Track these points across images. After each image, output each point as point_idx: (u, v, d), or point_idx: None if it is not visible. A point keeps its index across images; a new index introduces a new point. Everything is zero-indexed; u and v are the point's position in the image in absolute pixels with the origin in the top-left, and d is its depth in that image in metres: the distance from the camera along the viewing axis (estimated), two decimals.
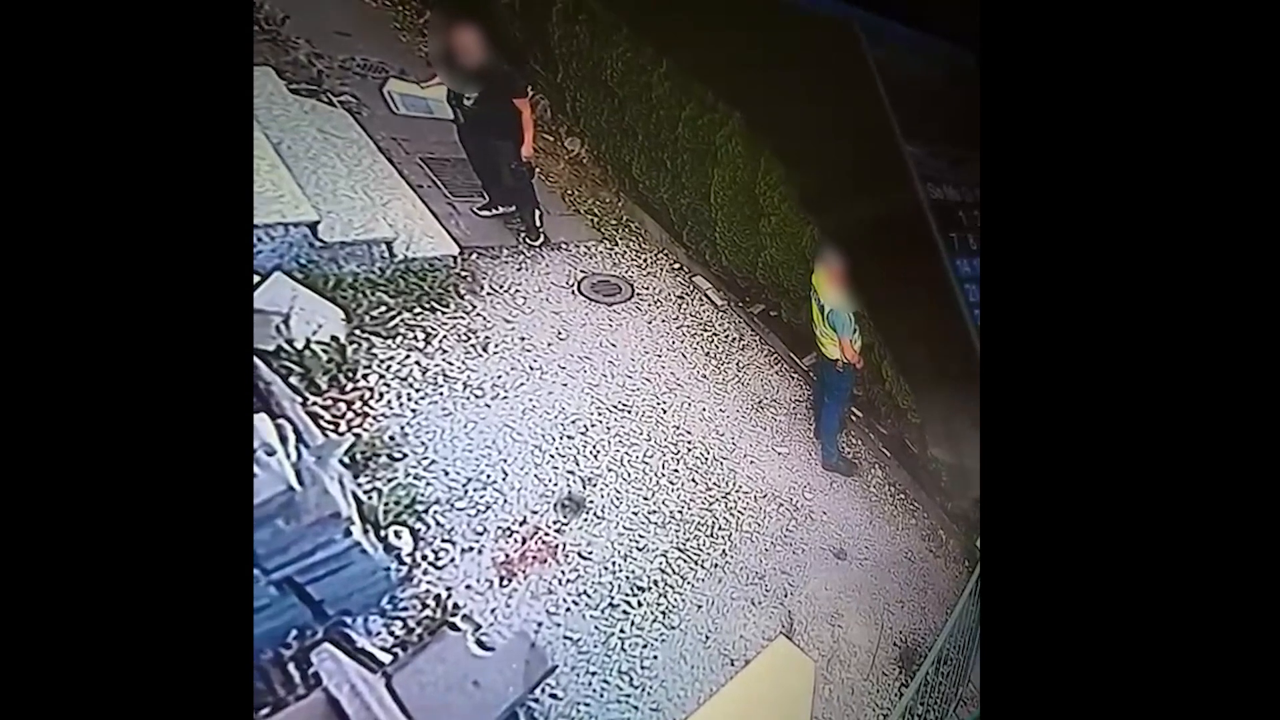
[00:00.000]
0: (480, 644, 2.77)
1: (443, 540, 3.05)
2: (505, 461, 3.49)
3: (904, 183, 4.11)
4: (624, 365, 4.41)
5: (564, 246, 5.02)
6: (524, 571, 3.13)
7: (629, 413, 4.14)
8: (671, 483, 3.91)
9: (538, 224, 4.81)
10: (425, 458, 3.28)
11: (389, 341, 3.65)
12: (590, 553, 3.35)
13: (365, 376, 3.42)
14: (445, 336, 3.88)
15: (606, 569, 3.34)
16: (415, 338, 3.76)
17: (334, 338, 3.41)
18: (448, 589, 2.91)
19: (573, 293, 4.70)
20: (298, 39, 4.98)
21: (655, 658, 3.15)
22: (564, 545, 3.32)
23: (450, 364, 3.75)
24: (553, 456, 3.66)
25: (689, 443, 4.19)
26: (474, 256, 4.46)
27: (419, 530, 3.02)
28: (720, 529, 3.84)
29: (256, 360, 3.05)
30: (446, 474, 3.28)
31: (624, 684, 3.01)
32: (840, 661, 3.64)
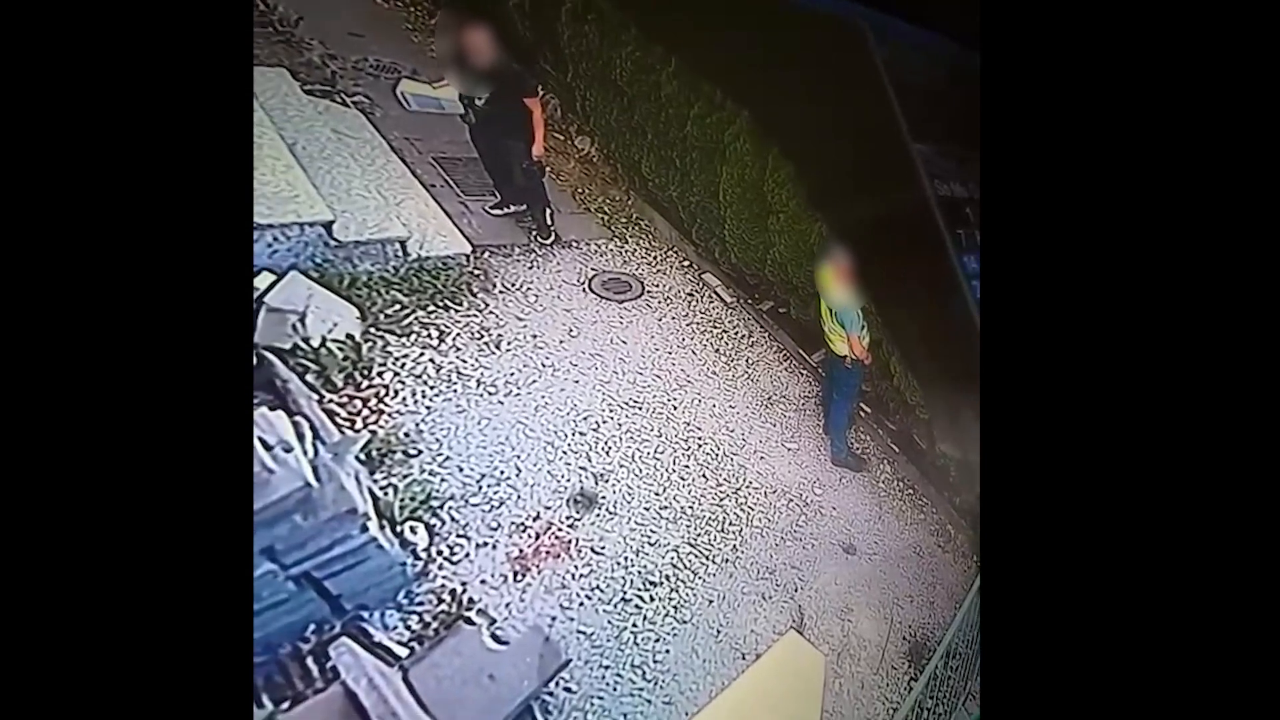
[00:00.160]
0: (495, 638, 2.80)
1: (457, 536, 3.10)
2: (518, 458, 3.53)
3: (911, 180, 4.10)
4: (635, 362, 4.45)
5: (575, 244, 5.06)
6: (537, 566, 3.17)
7: (640, 409, 4.17)
8: (682, 478, 3.94)
9: (549, 222, 4.84)
10: (440, 454, 3.32)
11: (403, 339, 3.70)
12: (602, 548, 3.39)
13: (380, 374, 3.47)
14: (459, 334, 3.92)
15: (619, 564, 3.38)
16: (429, 335, 3.81)
17: (349, 336, 3.46)
18: (463, 584, 2.95)
19: (584, 290, 4.74)
20: (311, 40, 5.04)
21: (667, 651, 3.18)
22: (577, 540, 3.36)
23: (464, 361, 3.80)
24: (565, 453, 3.70)
25: (699, 439, 4.22)
26: (486, 255, 4.50)
27: (434, 526, 3.07)
28: (731, 524, 3.87)
29: (273, 358, 3.10)
30: (461, 470, 3.32)
31: (637, 677, 3.04)
32: (850, 656, 3.66)
